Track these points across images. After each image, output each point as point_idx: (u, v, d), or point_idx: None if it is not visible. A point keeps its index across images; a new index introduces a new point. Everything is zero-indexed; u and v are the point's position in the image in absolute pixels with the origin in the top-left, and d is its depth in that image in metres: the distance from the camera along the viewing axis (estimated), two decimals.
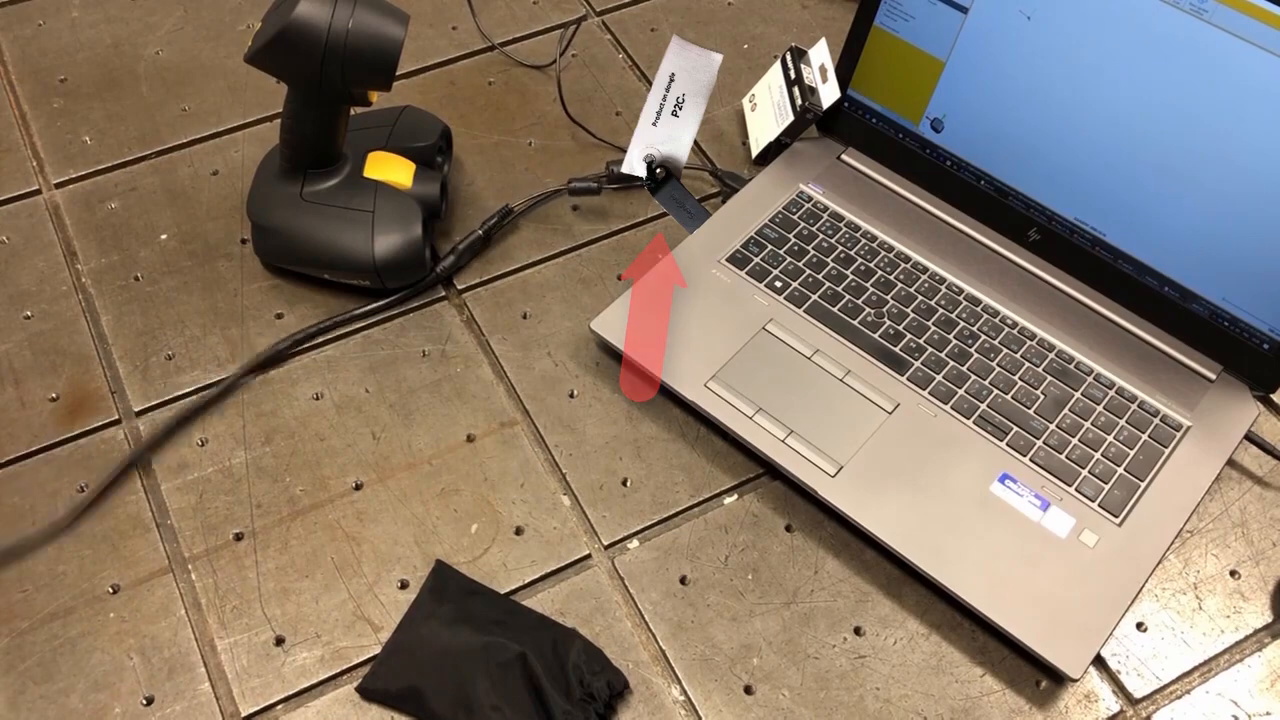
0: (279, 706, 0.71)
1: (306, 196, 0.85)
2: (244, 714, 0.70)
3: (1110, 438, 0.81)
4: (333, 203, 0.85)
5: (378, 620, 0.74)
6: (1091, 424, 0.81)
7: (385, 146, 0.89)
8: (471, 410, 0.83)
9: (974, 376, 0.83)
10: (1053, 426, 0.81)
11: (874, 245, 0.90)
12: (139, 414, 0.82)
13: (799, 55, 0.99)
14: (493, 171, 0.98)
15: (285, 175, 0.86)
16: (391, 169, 0.87)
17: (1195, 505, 0.78)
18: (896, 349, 0.84)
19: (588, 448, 0.82)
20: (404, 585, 0.75)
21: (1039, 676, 0.73)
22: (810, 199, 0.93)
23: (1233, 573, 0.78)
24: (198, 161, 0.97)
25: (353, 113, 0.87)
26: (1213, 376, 0.85)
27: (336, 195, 0.85)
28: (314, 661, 0.72)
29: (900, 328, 0.85)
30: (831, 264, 0.89)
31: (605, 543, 0.78)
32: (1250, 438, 0.83)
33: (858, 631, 0.75)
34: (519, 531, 0.78)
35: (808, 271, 0.88)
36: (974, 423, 0.81)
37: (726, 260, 0.88)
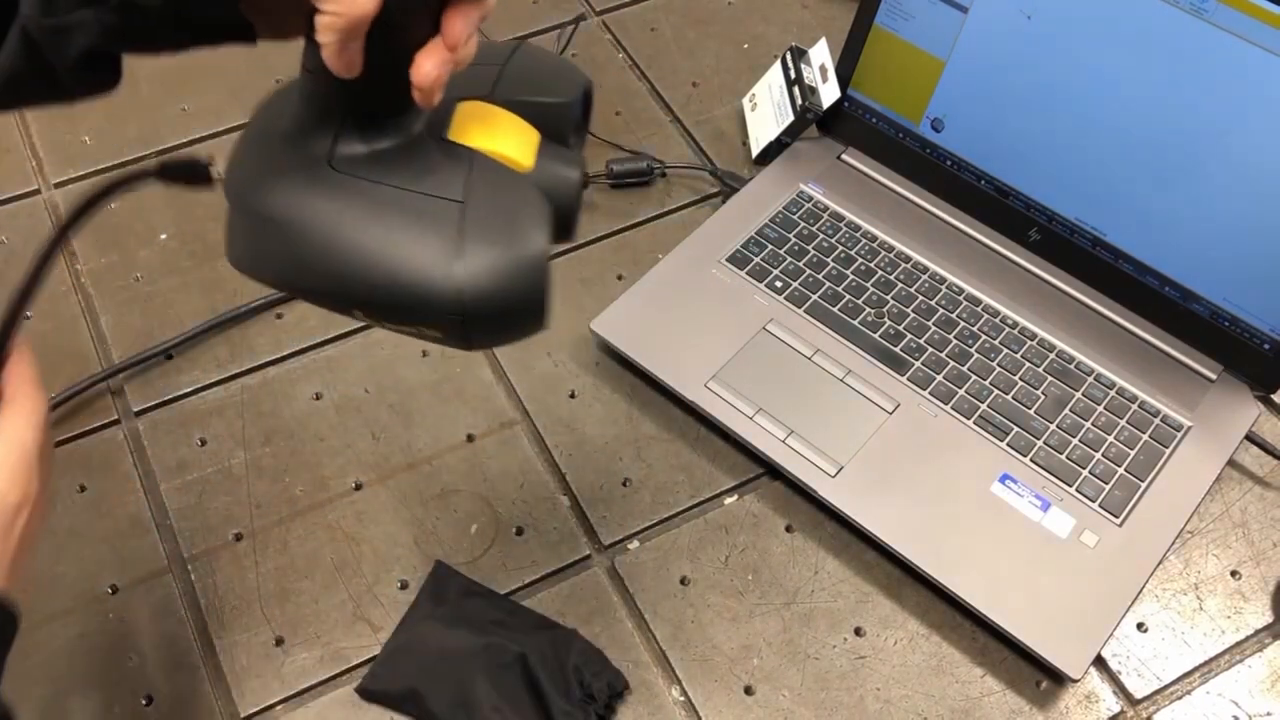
0: (278, 707, 0.71)
1: (339, 164, 0.49)
2: (243, 714, 0.70)
3: (1111, 438, 0.81)
4: (388, 179, 0.49)
5: (377, 621, 0.73)
6: (1092, 424, 0.81)
7: (490, 97, 0.53)
8: (471, 410, 0.83)
9: (974, 376, 0.83)
10: (1053, 427, 0.81)
11: (874, 245, 0.90)
12: (138, 414, 0.82)
13: (799, 55, 0.98)
14: None
15: (305, 125, 0.49)
16: (500, 132, 0.52)
17: (1196, 505, 0.78)
18: (897, 349, 0.84)
19: (588, 448, 0.82)
20: (404, 585, 0.75)
21: (1039, 677, 0.73)
22: (810, 199, 0.93)
23: (1233, 573, 0.78)
24: None
25: None
26: (1213, 376, 0.84)
27: (396, 167, 0.49)
28: (313, 662, 0.72)
29: (900, 328, 0.85)
30: (832, 264, 0.89)
31: (605, 543, 0.78)
32: (1251, 438, 0.83)
33: (858, 632, 0.75)
34: (519, 532, 0.78)
35: (808, 271, 0.88)
36: (974, 423, 0.81)
37: (726, 260, 0.88)
